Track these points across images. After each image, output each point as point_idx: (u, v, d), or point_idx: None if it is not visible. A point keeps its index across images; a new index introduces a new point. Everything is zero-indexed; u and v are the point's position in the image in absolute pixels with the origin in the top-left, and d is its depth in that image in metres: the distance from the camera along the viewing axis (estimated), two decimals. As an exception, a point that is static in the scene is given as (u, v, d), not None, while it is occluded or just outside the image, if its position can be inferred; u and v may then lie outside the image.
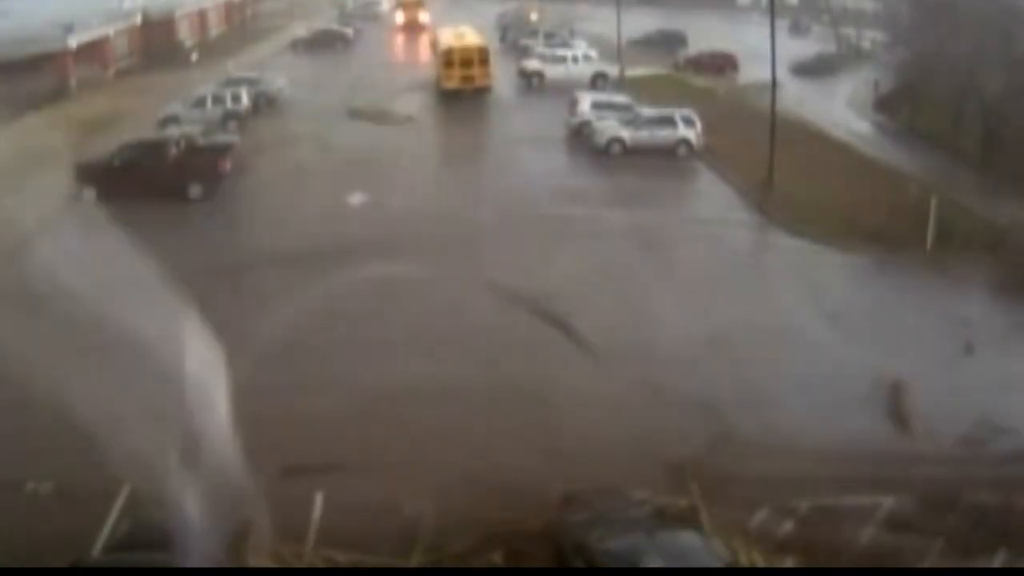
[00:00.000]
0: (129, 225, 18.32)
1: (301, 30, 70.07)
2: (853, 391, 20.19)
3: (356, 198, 32.41)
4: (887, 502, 16.42)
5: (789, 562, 14.94)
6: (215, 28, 72.02)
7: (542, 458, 17.42)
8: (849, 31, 74.81)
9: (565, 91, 46.34)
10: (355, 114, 45.30)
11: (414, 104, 48.25)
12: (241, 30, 76.27)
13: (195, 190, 32.12)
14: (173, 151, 32.94)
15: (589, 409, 19.20)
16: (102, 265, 16.49)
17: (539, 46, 58.78)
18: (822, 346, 22.52)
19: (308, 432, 18.02)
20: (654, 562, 13.22)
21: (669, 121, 38.84)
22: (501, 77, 50.93)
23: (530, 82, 52.78)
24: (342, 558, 14.63)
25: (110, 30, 53.86)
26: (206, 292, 17.96)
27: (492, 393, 19.80)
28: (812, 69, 63.86)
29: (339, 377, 20.29)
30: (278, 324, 21.47)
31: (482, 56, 47.97)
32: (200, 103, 41.64)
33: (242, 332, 19.27)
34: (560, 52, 55.02)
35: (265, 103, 45.39)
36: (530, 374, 20.61)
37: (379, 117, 44.78)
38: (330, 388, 19.72)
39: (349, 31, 69.64)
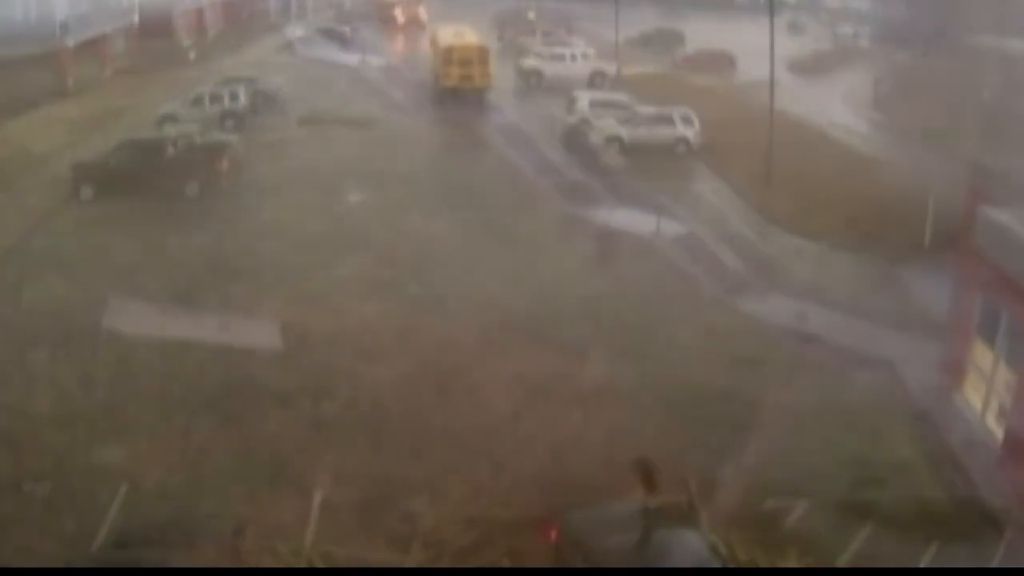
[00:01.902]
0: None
1: (299, 29, 69.98)
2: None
3: (353, 197, 32.46)
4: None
5: (789, 561, 14.91)
6: (213, 27, 71.90)
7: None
8: (847, 29, 74.86)
9: (563, 89, 46.27)
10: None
11: (410, 103, 48.14)
12: (239, 29, 76.15)
13: (192, 189, 32.02)
14: (170, 150, 32.84)
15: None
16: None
17: (537, 44, 58.73)
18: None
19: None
20: (654, 562, 13.20)
21: (667, 119, 38.80)
22: (498, 75, 50.78)
23: (528, 80, 52.70)
24: (341, 554, 14.57)
25: (108, 29, 53.75)
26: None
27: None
28: (810, 67, 63.86)
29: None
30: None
31: (482, 55, 47.78)
32: (198, 102, 41.51)
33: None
34: (558, 50, 54.95)
35: (263, 102, 45.28)
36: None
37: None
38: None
39: (347, 30, 69.64)
